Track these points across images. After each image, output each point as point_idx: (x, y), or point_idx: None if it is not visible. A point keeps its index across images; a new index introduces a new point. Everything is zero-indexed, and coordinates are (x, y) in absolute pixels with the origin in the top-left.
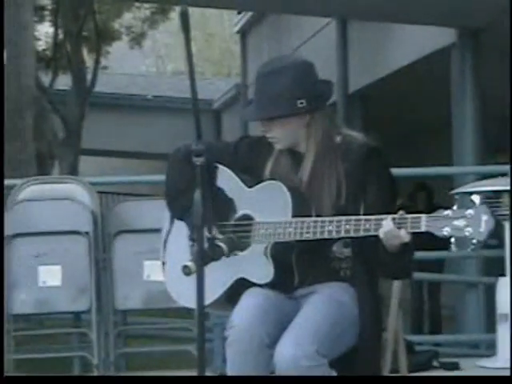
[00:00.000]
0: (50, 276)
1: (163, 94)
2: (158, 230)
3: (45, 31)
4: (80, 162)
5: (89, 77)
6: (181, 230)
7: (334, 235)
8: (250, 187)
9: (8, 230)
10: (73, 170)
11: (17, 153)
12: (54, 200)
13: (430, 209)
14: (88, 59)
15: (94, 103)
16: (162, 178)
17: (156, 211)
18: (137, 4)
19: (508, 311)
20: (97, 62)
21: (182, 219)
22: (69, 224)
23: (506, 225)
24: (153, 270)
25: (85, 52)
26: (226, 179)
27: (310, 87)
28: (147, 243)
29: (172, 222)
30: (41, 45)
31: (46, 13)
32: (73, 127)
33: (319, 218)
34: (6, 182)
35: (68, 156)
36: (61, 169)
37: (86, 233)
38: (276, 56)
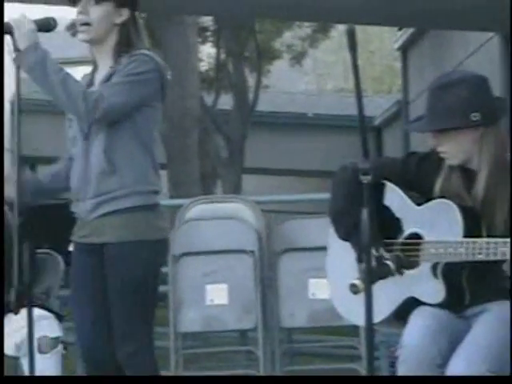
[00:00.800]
0: (217, 294)
1: (323, 112)
2: (322, 248)
3: (207, 52)
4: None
5: (250, 96)
6: (343, 246)
7: (508, 257)
8: (418, 205)
9: (176, 249)
10: (236, 189)
11: (182, 172)
12: (220, 219)
13: None
14: (249, 78)
15: (256, 122)
16: (326, 196)
17: (321, 229)
18: (297, 23)
19: None
20: (258, 81)
21: (347, 238)
22: (235, 243)
23: None
24: (318, 288)
25: (246, 71)
26: (394, 197)
27: (484, 101)
28: (312, 261)
29: (333, 239)
30: (204, 65)
31: (209, 34)
32: (235, 146)
33: (492, 239)
34: (173, 201)
35: (231, 175)
36: (224, 188)
37: (252, 251)
38: (449, 71)
